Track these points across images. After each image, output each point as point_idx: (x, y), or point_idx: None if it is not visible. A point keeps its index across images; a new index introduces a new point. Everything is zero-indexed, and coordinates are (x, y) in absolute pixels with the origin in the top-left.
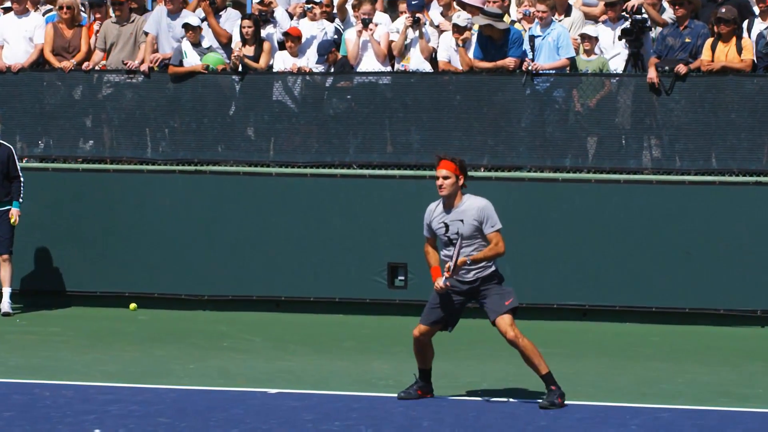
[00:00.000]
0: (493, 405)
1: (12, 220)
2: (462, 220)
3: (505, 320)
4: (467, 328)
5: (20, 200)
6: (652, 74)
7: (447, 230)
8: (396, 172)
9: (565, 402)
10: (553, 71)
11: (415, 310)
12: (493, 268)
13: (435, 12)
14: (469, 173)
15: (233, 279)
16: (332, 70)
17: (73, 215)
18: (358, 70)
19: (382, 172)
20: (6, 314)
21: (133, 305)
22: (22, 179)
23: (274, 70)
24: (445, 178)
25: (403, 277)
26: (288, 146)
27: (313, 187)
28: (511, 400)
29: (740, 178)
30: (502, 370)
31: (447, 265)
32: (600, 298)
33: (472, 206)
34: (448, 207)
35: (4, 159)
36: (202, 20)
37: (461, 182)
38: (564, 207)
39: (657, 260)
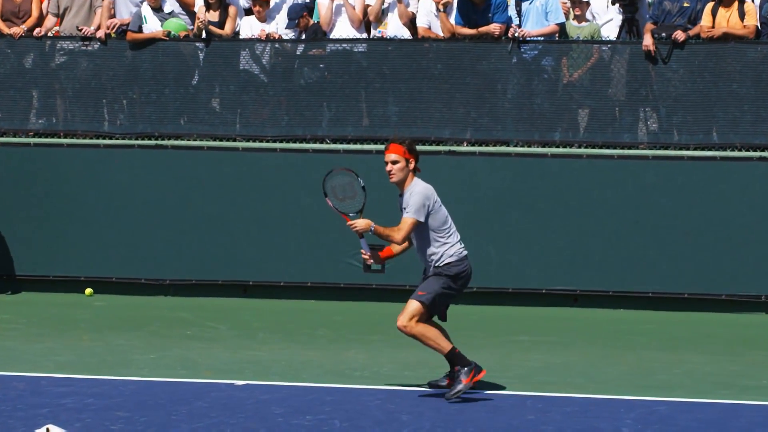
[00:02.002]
0: (477, 397)
1: None
2: (404, 208)
3: (408, 306)
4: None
5: None
6: (647, 41)
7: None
8: (372, 146)
9: (477, 377)
10: (542, 38)
11: (394, 296)
12: (444, 261)
13: None
14: (452, 148)
15: (197, 262)
16: (303, 36)
17: (23, 194)
18: (332, 36)
19: (358, 146)
20: None
21: (88, 290)
22: None
23: (241, 37)
24: (394, 162)
25: None
26: (256, 119)
27: (282, 163)
28: (496, 392)
29: (743, 153)
30: (486, 360)
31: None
32: (592, 282)
33: (409, 191)
34: (401, 192)
35: None
36: None
37: (412, 165)
38: (553, 184)
39: (653, 242)
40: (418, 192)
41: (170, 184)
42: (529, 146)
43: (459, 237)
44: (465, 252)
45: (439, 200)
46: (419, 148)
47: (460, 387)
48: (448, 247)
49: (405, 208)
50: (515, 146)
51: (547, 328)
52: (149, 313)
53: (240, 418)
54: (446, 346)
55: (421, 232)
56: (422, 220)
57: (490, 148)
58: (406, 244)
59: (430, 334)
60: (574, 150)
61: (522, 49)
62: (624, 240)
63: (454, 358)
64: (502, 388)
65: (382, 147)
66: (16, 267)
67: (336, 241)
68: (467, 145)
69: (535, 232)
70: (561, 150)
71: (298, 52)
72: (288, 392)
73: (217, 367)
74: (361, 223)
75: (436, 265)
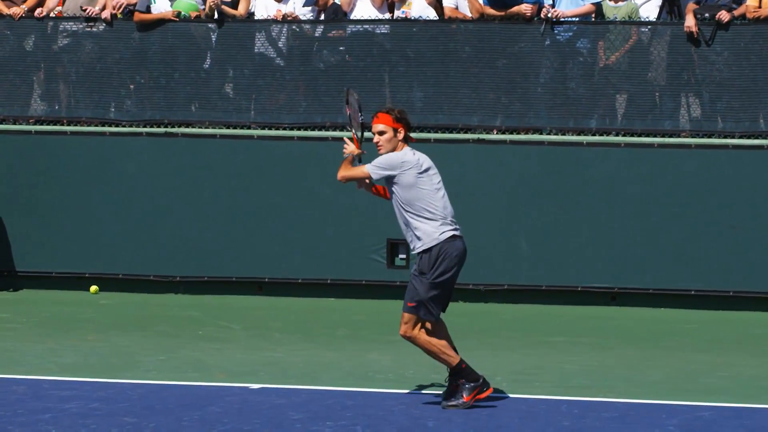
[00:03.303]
0: (509, 402)
1: None
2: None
3: (403, 316)
4: (478, 314)
5: None
6: (690, 22)
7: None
8: None
9: (481, 395)
10: (576, 19)
11: None
12: (421, 246)
13: None
14: (481, 136)
15: (209, 258)
16: (322, 17)
17: (24, 184)
18: (353, 17)
19: None
20: None
21: (93, 288)
22: None
23: (256, 18)
24: (381, 133)
25: (404, 256)
26: (272, 105)
27: (300, 152)
28: (529, 396)
29: None
30: (518, 362)
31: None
32: (631, 279)
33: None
34: None
35: None
36: None
37: (401, 135)
38: (589, 175)
39: (696, 236)
40: (392, 154)
41: (180, 175)
42: (563, 134)
43: (450, 221)
44: (449, 233)
45: (427, 178)
46: (446, 136)
47: (459, 403)
48: (425, 226)
49: None
50: (548, 134)
51: (583, 328)
52: (158, 312)
53: (255, 424)
54: (453, 358)
55: (395, 204)
56: (374, 177)
57: (522, 136)
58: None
59: (436, 346)
60: (611, 138)
61: (555, 31)
62: (665, 234)
63: (461, 372)
64: (536, 392)
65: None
66: (16, 263)
67: (357, 235)
68: (497, 133)
69: (570, 225)
70: (597, 138)
71: (316, 34)
72: (306, 396)
73: (230, 370)
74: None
75: (414, 249)
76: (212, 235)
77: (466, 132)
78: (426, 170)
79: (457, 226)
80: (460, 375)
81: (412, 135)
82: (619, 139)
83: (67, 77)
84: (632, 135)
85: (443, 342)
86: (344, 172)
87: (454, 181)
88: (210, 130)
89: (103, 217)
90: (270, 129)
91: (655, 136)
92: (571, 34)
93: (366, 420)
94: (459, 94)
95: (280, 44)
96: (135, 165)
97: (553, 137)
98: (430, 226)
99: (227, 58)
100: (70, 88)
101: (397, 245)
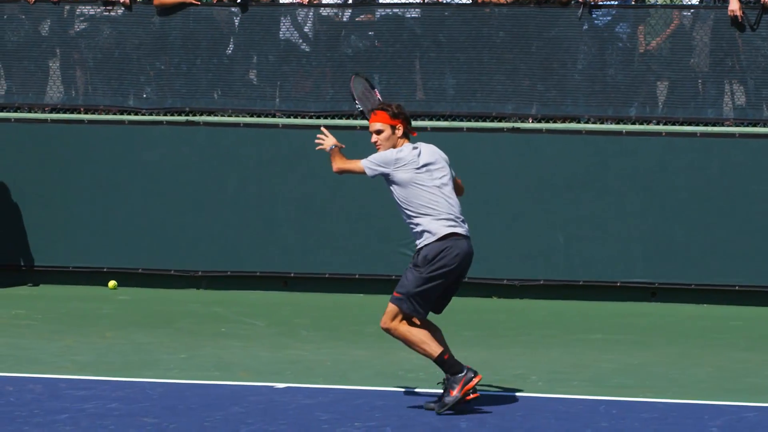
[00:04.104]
0: (544, 402)
1: None
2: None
3: (387, 307)
4: (512, 310)
5: None
6: (734, 6)
7: None
8: (427, 123)
9: (469, 385)
10: (615, 2)
11: None
12: (423, 243)
13: None
14: (516, 124)
15: (232, 252)
16: (350, 1)
17: (39, 175)
18: (382, 1)
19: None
20: None
21: (112, 283)
22: None
23: (281, 2)
24: (378, 132)
25: None
26: (297, 92)
27: None
28: (566, 396)
29: None
30: (554, 361)
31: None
32: (672, 275)
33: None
34: None
35: None
36: None
37: (399, 132)
38: (629, 165)
39: (741, 229)
40: (388, 152)
41: (202, 165)
42: (602, 123)
43: (454, 219)
44: (450, 230)
45: (426, 174)
46: (480, 125)
47: (448, 399)
48: (424, 223)
49: None
50: (586, 123)
51: (622, 325)
52: (179, 309)
53: (281, 425)
54: (435, 350)
55: (398, 198)
56: (368, 173)
57: (559, 125)
58: None
59: (416, 336)
60: (652, 127)
61: (594, 15)
62: (708, 227)
63: (443, 364)
64: (573, 392)
65: (438, 123)
66: (32, 257)
67: (386, 228)
68: (533, 122)
69: (608, 218)
70: (637, 127)
71: (344, 19)
72: (334, 396)
73: (254, 368)
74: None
75: (416, 245)
76: (235, 228)
77: (500, 121)
78: (425, 165)
79: (464, 226)
80: (443, 367)
81: (446, 124)
82: (660, 128)
83: (84, 63)
84: (674, 124)
85: (424, 331)
86: (340, 164)
87: (487, 171)
88: (233, 119)
89: (122, 210)
90: (295, 117)
91: (697, 124)
92: (610, 18)
93: (396, 420)
94: (493, 81)
95: (306, 29)
96: (155, 155)
97: (591, 126)
98: (431, 224)
99: (251, 43)
100: (87, 75)
101: None
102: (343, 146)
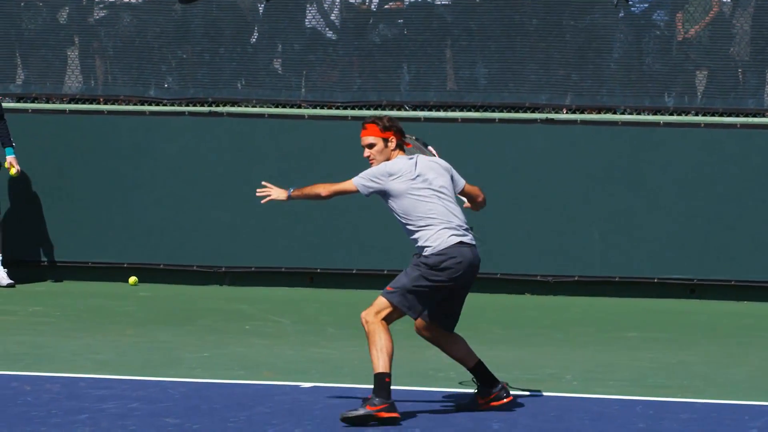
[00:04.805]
0: (579, 402)
1: (13, 171)
2: None
3: (376, 299)
4: (546, 307)
5: (13, 144)
6: None
7: None
8: (458, 114)
9: (382, 414)
10: None
11: (481, 286)
12: (423, 250)
13: None
14: (549, 115)
15: (256, 247)
16: None
17: (57, 167)
18: None
19: (441, 114)
20: (10, 285)
21: (132, 279)
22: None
23: None
24: (371, 146)
25: None
26: (323, 82)
27: (354, 133)
28: (601, 396)
29: None
30: (590, 359)
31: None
32: (711, 270)
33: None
34: None
35: None
36: None
37: (392, 144)
38: (666, 157)
39: None
40: (380, 165)
41: (226, 157)
42: (639, 113)
43: (456, 228)
44: (456, 239)
45: (422, 183)
46: (512, 115)
47: (360, 412)
48: (425, 233)
49: None
50: (622, 113)
51: (659, 322)
52: (202, 305)
53: (307, 426)
54: (384, 365)
55: (393, 210)
56: (362, 191)
57: (594, 116)
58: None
59: (380, 342)
60: (691, 118)
61: (630, 2)
62: (748, 221)
63: (381, 384)
64: (609, 391)
65: (469, 114)
66: (49, 252)
67: None
68: (567, 113)
69: (645, 212)
70: (675, 118)
71: (372, 6)
72: (361, 396)
73: (279, 367)
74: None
75: (416, 253)
76: (260, 223)
77: (533, 111)
78: (421, 175)
79: (469, 234)
80: (377, 384)
81: (477, 115)
82: (699, 119)
83: (103, 52)
84: (713, 114)
85: (391, 345)
86: (326, 188)
87: (520, 164)
88: (257, 109)
89: (143, 203)
90: (322, 108)
91: (737, 115)
92: (647, 5)
93: (426, 421)
94: (526, 71)
95: (333, 17)
96: (177, 146)
97: (627, 117)
98: (433, 236)
99: (276, 31)
100: (107, 64)
101: None
102: (291, 196)
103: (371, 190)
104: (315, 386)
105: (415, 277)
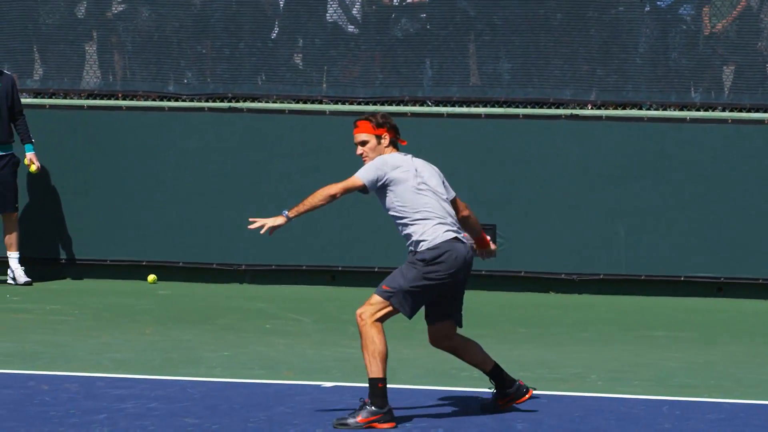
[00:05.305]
0: (604, 402)
1: (33, 168)
2: None
3: (372, 297)
4: (571, 306)
5: (33, 141)
6: None
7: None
8: (481, 110)
9: (378, 424)
10: None
11: (506, 284)
12: (426, 246)
13: None
14: (574, 111)
15: (277, 245)
16: None
17: (75, 163)
18: None
19: (464, 110)
20: (27, 283)
21: (151, 277)
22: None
23: None
24: (363, 143)
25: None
26: (345, 78)
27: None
28: (627, 396)
29: None
30: (615, 359)
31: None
32: (739, 269)
33: None
34: None
35: (9, 90)
36: None
37: (386, 141)
38: (693, 154)
39: None
40: (378, 157)
41: (246, 154)
42: (665, 109)
43: (450, 223)
44: (452, 235)
45: (420, 179)
46: (536, 111)
47: (349, 421)
48: (420, 227)
49: None
50: (648, 109)
51: (686, 321)
52: (222, 304)
53: (328, 426)
54: (376, 371)
55: (387, 204)
56: (367, 183)
57: (619, 112)
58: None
59: (373, 347)
60: (717, 114)
61: None
62: None
63: (375, 390)
64: (635, 391)
65: (493, 110)
66: (67, 250)
67: None
68: (592, 108)
69: (671, 209)
70: (701, 114)
71: (394, 1)
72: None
73: (300, 367)
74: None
75: (410, 249)
76: None
77: (557, 107)
78: (417, 170)
79: (462, 233)
80: (371, 391)
81: (501, 111)
82: (726, 114)
83: (122, 47)
84: (740, 110)
85: (384, 350)
86: (335, 186)
87: (544, 160)
88: (278, 105)
89: (162, 200)
90: (343, 104)
91: (765, 111)
92: None
93: (449, 421)
94: (550, 66)
95: (355, 11)
96: (196, 143)
97: (653, 113)
98: (429, 229)
99: (297, 26)
100: (125, 59)
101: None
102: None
103: (376, 180)
104: (336, 386)
105: (413, 277)
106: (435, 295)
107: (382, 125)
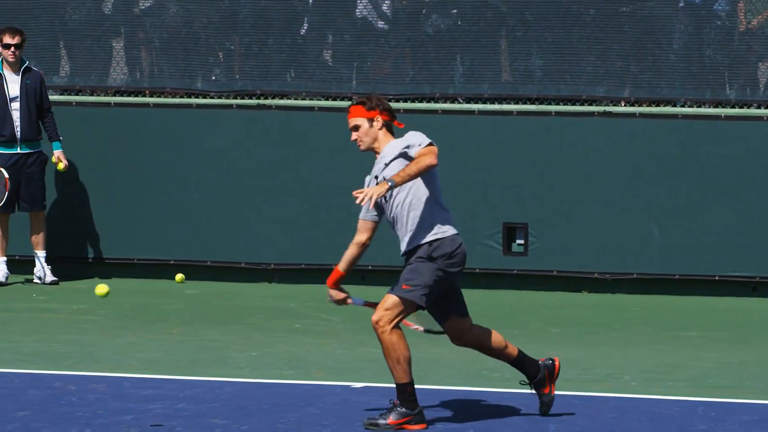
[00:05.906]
0: (638, 403)
1: (61, 166)
2: (386, 163)
3: (387, 300)
4: (604, 306)
5: (60, 139)
6: None
7: (387, 194)
8: (513, 107)
9: (408, 425)
10: None
11: (538, 283)
12: (436, 235)
13: None
14: (607, 108)
15: (306, 243)
16: None
17: (102, 161)
18: None
19: (496, 107)
20: (54, 282)
21: (179, 276)
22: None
23: None
24: (356, 128)
25: (522, 241)
26: (375, 74)
27: (407, 126)
28: (661, 397)
29: None
30: (649, 359)
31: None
32: None
33: (390, 147)
34: (377, 158)
35: (37, 87)
36: None
37: (378, 123)
38: (728, 152)
39: None
40: (409, 134)
41: (275, 151)
42: (699, 106)
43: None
44: (455, 231)
45: None
46: (569, 108)
47: (380, 422)
48: (444, 215)
49: (388, 165)
50: (682, 106)
51: (720, 321)
52: (250, 303)
53: (357, 427)
54: (402, 375)
55: (418, 189)
56: (435, 150)
57: (653, 109)
58: None
59: (395, 353)
60: (753, 111)
61: None
62: None
63: (404, 395)
64: (669, 392)
65: (525, 107)
66: (94, 249)
67: (470, 218)
68: (625, 105)
69: (705, 208)
70: (737, 111)
71: None
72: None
73: (330, 367)
74: (372, 190)
75: (424, 240)
76: (310, 218)
77: (590, 104)
78: None
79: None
80: (401, 395)
81: (533, 108)
82: (761, 111)
83: (149, 43)
84: None
85: (407, 354)
86: (431, 156)
87: (577, 158)
88: (307, 102)
89: (190, 198)
90: None
91: None
92: None
93: (480, 422)
94: (583, 62)
95: (385, 7)
96: (224, 140)
97: (687, 110)
98: (447, 216)
99: (326, 22)
100: (152, 56)
101: (514, 230)
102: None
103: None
104: (366, 386)
105: (433, 275)
106: (441, 290)
107: (375, 107)
